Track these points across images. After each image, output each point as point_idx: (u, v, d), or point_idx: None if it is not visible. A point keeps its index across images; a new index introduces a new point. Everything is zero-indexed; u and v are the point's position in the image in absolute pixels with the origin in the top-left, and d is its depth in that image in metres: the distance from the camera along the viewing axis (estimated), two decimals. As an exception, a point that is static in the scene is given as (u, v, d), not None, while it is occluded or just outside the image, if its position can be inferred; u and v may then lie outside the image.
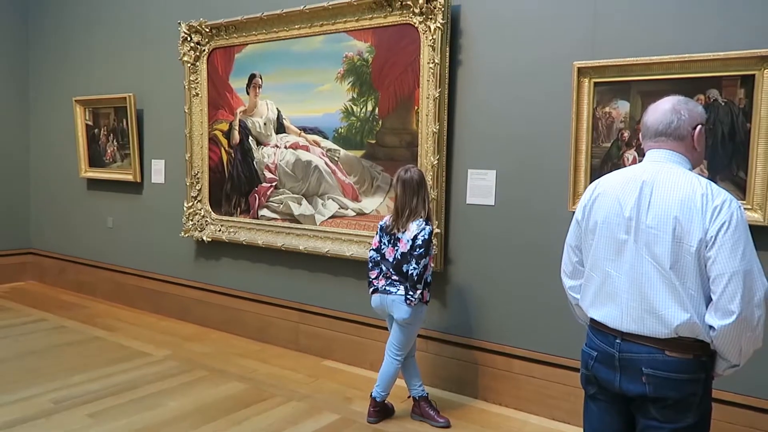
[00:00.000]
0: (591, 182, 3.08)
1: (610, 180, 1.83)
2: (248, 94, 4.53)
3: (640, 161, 2.90)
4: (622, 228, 1.73)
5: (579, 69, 3.04)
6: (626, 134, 3.02)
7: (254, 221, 4.54)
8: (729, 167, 2.74)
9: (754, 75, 2.63)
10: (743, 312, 1.56)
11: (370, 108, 3.92)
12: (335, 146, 4.10)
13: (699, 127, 1.75)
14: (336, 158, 4.10)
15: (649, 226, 1.67)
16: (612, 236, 1.75)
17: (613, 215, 1.75)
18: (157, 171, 5.26)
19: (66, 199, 6.11)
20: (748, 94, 2.67)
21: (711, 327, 1.62)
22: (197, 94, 4.76)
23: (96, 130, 5.68)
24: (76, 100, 5.69)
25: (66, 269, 6.13)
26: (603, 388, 1.82)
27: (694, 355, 1.66)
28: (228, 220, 4.70)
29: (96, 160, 5.72)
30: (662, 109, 1.75)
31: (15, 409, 3.27)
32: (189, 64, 4.73)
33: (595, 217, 1.81)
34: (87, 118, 5.72)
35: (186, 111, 4.77)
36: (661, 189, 1.67)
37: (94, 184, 5.82)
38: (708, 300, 1.63)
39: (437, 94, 3.50)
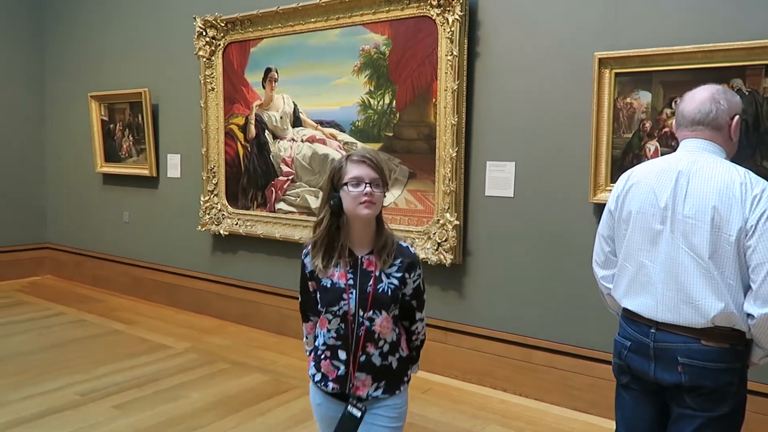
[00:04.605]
0: (612, 173, 3.13)
1: (643, 170, 1.83)
2: (264, 88, 4.54)
3: (663, 152, 2.93)
4: (657, 218, 1.73)
5: (600, 60, 3.04)
6: (648, 125, 3.01)
7: (271, 215, 4.56)
8: (753, 157, 2.73)
9: (778, 64, 2.63)
10: None
11: (387, 101, 3.92)
12: (352, 139, 4.11)
13: (736, 117, 1.75)
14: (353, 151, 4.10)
15: (687, 216, 1.67)
16: (647, 226, 1.76)
17: (647, 205, 1.76)
18: (173, 165, 5.29)
19: (82, 194, 6.15)
20: (773, 84, 2.66)
21: (749, 315, 1.63)
22: (213, 89, 4.78)
23: (111, 126, 5.71)
24: (91, 96, 5.72)
25: (82, 263, 6.18)
26: (636, 378, 1.83)
27: (730, 344, 1.67)
28: (245, 214, 4.72)
29: (111, 155, 5.75)
30: (700, 98, 1.75)
31: (42, 401, 3.31)
32: (204, 59, 4.74)
33: (629, 208, 1.81)
34: (102, 113, 5.74)
35: (202, 105, 4.79)
36: (698, 179, 1.67)
37: (109, 178, 5.85)
38: (746, 289, 1.64)
39: (456, 87, 3.50)
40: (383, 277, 1.77)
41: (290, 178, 4.45)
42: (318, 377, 1.84)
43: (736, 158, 2.72)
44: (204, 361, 4.02)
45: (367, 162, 1.71)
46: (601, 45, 3.10)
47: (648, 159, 2.94)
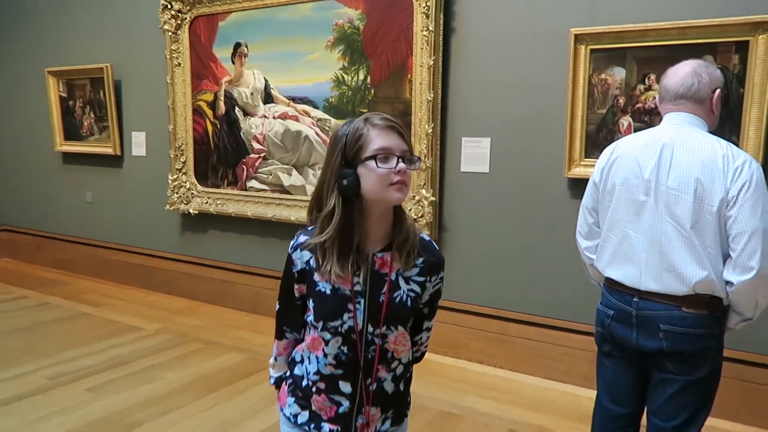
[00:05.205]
0: (586, 149, 3.18)
1: (628, 142, 1.86)
2: (233, 63, 4.43)
3: (636, 127, 2.99)
4: (642, 189, 1.77)
5: (576, 36, 3.07)
6: (621, 101, 3.07)
7: (243, 193, 4.49)
8: (722, 131, 2.81)
9: (748, 41, 2.70)
10: (762, 268, 1.63)
11: (361, 77, 3.88)
12: (326, 116, 4.06)
13: (718, 90, 1.79)
14: (327, 128, 4.06)
15: (671, 187, 1.71)
16: (631, 197, 1.80)
17: (632, 177, 1.80)
18: (138, 143, 5.13)
19: (40, 174, 5.91)
20: (742, 60, 2.74)
21: (729, 283, 1.69)
22: (179, 64, 4.64)
23: (71, 102, 5.49)
24: (48, 71, 5.48)
25: (43, 246, 5.97)
26: (618, 345, 1.89)
27: (709, 311, 1.73)
28: (215, 192, 4.63)
29: (72, 133, 5.54)
30: (683, 73, 1.79)
31: (10, 386, 3.21)
32: (170, 33, 4.59)
33: (614, 179, 1.85)
34: (61, 89, 5.52)
35: (168, 81, 4.65)
36: (682, 151, 1.71)
37: (70, 157, 5.65)
38: (725, 257, 1.70)
39: (431, 62, 3.49)
40: (401, 282, 1.35)
41: (262, 155, 4.38)
42: (303, 417, 1.40)
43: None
44: (177, 342, 3.97)
45: (396, 129, 1.29)
46: (577, 21, 3.13)
47: (622, 134, 3.02)
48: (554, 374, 3.39)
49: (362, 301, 1.33)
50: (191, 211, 4.72)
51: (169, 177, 4.77)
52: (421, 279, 1.37)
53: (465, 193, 3.62)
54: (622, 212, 1.83)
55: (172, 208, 4.80)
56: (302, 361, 1.42)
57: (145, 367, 3.53)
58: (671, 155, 1.73)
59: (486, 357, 3.61)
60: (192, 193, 4.74)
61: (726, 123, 2.79)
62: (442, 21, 3.49)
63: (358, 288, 1.33)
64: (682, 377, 1.77)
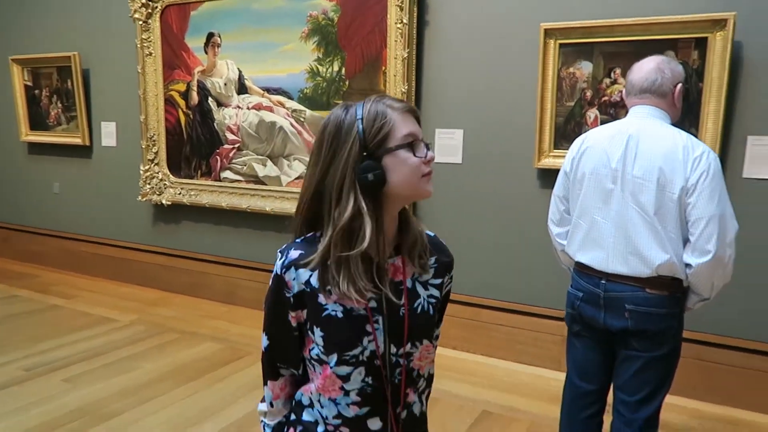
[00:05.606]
0: (555, 140, 3.29)
1: (596, 134, 1.97)
2: (206, 53, 4.42)
3: (602, 120, 3.12)
4: (609, 178, 1.88)
5: (546, 30, 3.17)
6: (589, 94, 3.19)
7: (217, 183, 4.49)
8: (682, 124, 2.95)
9: (707, 38, 2.84)
10: (718, 251, 1.75)
11: (336, 68, 3.93)
12: (301, 107, 4.09)
13: (679, 85, 1.91)
14: (302, 119, 4.10)
15: (636, 176, 1.83)
16: (599, 186, 1.91)
17: (600, 166, 1.90)
18: (108, 134, 5.07)
19: (5, 164, 5.79)
20: (701, 56, 2.88)
21: (688, 265, 1.82)
22: (150, 54, 4.60)
23: (36, 91, 5.38)
24: (12, 59, 5.35)
25: (10, 238, 5.86)
26: (587, 325, 2.00)
27: (670, 292, 1.86)
28: (188, 183, 4.62)
29: (38, 123, 5.43)
30: (647, 68, 1.90)
31: (-15, 378, 3.20)
32: (141, 22, 4.54)
33: (583, 169, 1.95)
34: (26, 78, 5.40)
35: (139, 71, 4.61)
36: (647, 142, 1.83)
37: (36, 148, 5.54)
38: (685, 242, 1.82)
39: (405, 55, 3.56)
40: (419, 289, 1.18)
41: (236, 146, 4.38)
42: None
43: (668, 125, 2.96)
44: (152, 333, 3.97)
45: (415, 113, 1.12)
46: (547, 16, 3.23)
47: (589, 126, 3.14)
48: (526, 358, 3.52)
49: (380, 318, 1.12)
50: (164, 202, 4.70)
51: (141, 168, 4.74)
52: (438, 281, 1.22)
53: (438, 184, 3.70)
54: (591, 200, 1.93)
55: (144, 199, 4.77)
56: (311, 405, 1.19)
57: (121, 358, 3.54)
58: (636, 146, 1.84)
59: (462, 343, 3.71)
60: (165, 184, 4.72)
61: (686, 116, 2.93)
62: (416, 14, 3.55)
63: (374, 305, 1.12)
64: (646, 354, 1.89)
